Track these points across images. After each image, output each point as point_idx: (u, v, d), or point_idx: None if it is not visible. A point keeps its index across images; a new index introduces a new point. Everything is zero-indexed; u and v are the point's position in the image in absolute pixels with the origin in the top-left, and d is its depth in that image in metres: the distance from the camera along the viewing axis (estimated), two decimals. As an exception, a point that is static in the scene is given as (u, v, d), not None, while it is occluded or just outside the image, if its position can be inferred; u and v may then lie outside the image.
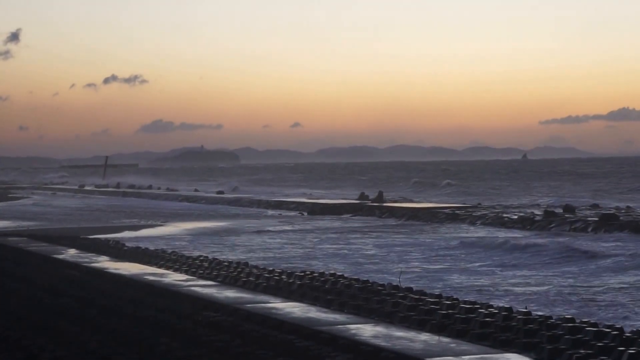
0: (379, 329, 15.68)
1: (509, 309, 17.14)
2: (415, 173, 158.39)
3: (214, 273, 23.69)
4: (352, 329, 15.60)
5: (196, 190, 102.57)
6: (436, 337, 15.02)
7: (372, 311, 17.66)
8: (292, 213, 61.42)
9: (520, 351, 14.09)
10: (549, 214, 47.64)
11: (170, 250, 30.38)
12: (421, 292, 19.79)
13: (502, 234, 41.75)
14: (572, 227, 43.08)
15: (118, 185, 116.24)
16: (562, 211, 49.92)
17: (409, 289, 20.32)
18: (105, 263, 26.40)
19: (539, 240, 36.45)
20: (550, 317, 16.45)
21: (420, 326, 16.16)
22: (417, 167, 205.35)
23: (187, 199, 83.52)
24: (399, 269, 27.23)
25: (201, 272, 24.09)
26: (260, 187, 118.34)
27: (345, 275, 23.12)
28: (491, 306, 17.78)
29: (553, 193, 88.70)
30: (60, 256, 28.49)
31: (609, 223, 42.05)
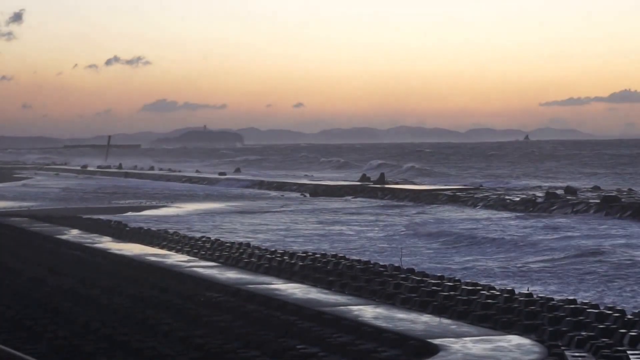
0: (381, 311, 15.72)
1: (511, 291, 17.17)
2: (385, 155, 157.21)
3: (216, 254, 23.75)
4: (354, 310, 15.62)
5: (198, 171, 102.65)
6: (437, 319, 15.07)
7: (373, 292, 17.71)
8: (294, 194, 61.45)
9: (521, 333, 14.12)
10: (550, 196, 47.63)
11: (172, 231, 30.41)
12: (423, 274, 19.83)
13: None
14: (574, 209, 43.10)
15: (120, 166, 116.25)
16: (563, 193, 49.97)
17: (411, 271, 20.37)
18: (107, 244, 26.43)
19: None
20: (552, 299, 16.49)
21: (422, 308, 16.21)
22: (410, 149, 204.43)
23: (190, 180, 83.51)
24: (401, 251, 27.23)
25: (203, 253, 24.15)
26: (261, 169, 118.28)
27: (347, 256, 23.14)
28: (493, 288, 17.82)
29: (553, 175, 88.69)
30: (63, 237, 28.52)
31: (610, 205, 42.10)
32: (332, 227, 36.76)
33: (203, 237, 28.55)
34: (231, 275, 20.01)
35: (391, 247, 29.83)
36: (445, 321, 14.94)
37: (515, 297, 16.58)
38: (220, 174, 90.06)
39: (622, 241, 30.58)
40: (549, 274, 23.69)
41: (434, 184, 67.56)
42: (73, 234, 29.29)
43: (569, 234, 33.15)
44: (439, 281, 18.55)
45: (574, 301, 16.21)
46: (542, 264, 25.53)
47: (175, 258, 23.10)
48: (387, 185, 62.89)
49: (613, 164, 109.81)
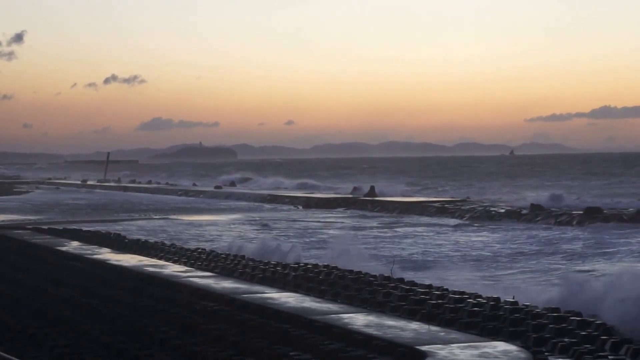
0: (371, 318, 16.08)
1: (497, 299, 17.64)
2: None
3: (212, 264, 24.19)
4: (345, 318, 15.97)
5: (195, 184, 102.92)
6: (426, 326, 15.42)
7: (364, 301, 18.15)
8: (288, 207, 62.00)
9: (506, 339, 14.53)
10: (535, 208, 48.31)
11: (169, 243, 30.81)
12: (412, 283, 20.29)
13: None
14: (558, 220, 43.79)
15: (119, 180, 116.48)
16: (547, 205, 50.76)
17: (400, 280, 20.82)
18: (106, 255, 26.81)
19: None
20: (536, 307, 16.97)
21: (411, 315, 16.66)
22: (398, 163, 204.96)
23: (186, 193, 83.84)
24: (392, 260, 27.62)
25: (199, 263, 24.59)
26: (256, 183, 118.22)
27: (338, 266, 23.54)
28: (480, 296, 18.29)
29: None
30: (64, 248, 28.87)
31: (593, 216, 42.79)
32: (325, 238, 37.12)
33: (199, 248, 28.97)
34: (226, 284, 20.39)
35: (383, 256, 30.22)
36: (434, 328, 15.33)
37: (501, 305, 17.07)
38: (216, 187, 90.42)
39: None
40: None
41: (428, 196, 68.10)
42: (73, 246, 29.63)
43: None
44: (427, 290, 19.04)
45: (557, 309, 16.68)
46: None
47: (173, 268, 23.48)
48: (377, 198, 63.40)
49: (594, 176, 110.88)
